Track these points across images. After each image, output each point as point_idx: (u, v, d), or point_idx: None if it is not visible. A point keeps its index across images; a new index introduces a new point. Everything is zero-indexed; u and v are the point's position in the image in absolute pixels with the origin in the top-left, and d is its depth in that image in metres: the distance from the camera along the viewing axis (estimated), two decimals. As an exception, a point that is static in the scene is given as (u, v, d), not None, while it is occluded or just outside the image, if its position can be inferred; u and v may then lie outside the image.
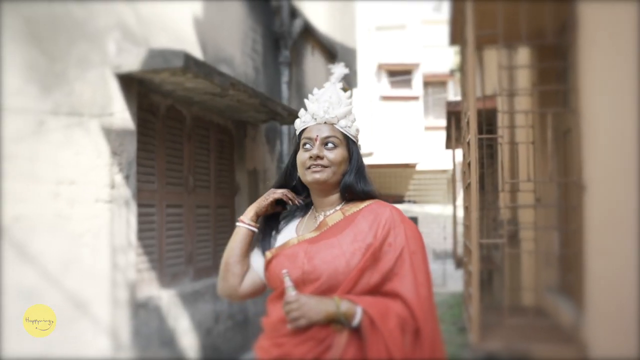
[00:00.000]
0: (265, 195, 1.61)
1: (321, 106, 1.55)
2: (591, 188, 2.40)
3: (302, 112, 1.61)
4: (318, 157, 1.50)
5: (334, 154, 1.51)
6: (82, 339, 3.32)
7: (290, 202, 1.61)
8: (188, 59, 3.58)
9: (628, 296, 2.02)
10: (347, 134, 1.55)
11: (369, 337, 1.36)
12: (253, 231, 1.60)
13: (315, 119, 1.56)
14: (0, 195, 2.74)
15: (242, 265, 1.59)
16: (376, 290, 1.42)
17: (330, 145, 1.52)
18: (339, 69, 1.63)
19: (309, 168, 1.51)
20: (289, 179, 1.63)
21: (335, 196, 1.56)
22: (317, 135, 1.52)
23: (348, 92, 1.61)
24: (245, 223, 1.59)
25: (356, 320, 1.37)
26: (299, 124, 1.60)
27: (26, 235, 2.96)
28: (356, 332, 1.38)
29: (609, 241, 2.22)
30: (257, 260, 1.60)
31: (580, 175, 2.50)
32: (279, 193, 1.60)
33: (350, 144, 1.56)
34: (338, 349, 1.37)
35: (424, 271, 1.45)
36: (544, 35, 2.75)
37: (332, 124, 1.54)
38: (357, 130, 1.59)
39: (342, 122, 1.55)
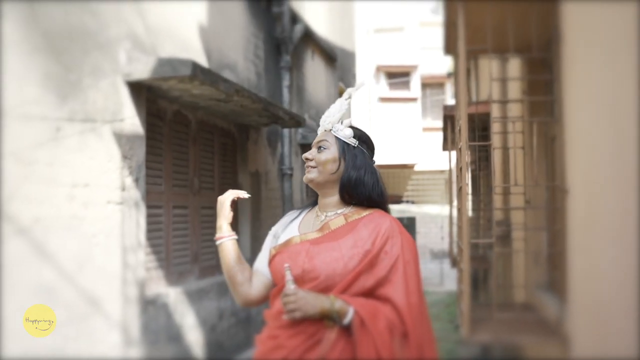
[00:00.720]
0: (220, 206, 1.72)
1: (323, 117, 1.71)
2: (573, 191, 2.58)
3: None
4: (307, 159, 1.67)
5: (321, 155, 1.64)
6: (95, 334, 3.49)
7: (240, 197, 1.74)
8: (195, 67, 3.76)
9: (605, 291, 2.20)
10: (338, 137, 1.66)
11: (359, 336, 1.45)
12: (235, 239, 1.71)
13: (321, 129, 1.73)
14: (0, 193, 2.89)
15: (243, 272, 1.69)
16: (370, 294, 1.52)
17: (321, 148, 1.66)
18: (359, 84, 1.75)
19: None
20: None
21: (335, 198, 1.66)
22: (314, 142, 1.70)
23: (348, 100, 1.71)
24: (226, 236, 1.71)
25: (347, 319, 1.46)
26: None
27: (44, 235, 3.13)
28: (346, 330, 1.48)
29: (589, 240, 2.40)
30: (265, 262, 1.71)
31: (563, 179, 2.69)
32: (230, 196, 1.73)
33: (344, 147, 1.65)
34: (327, 343, 1.47)
35: (416, 280, 1.54)
36: (531, 48, 2.94)
37: (329, 130, 1.69)
38: (352, 133, 1.67)
39: (335, 127, 1.68)
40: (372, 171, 1.66)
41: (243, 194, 1.74)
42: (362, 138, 1.70)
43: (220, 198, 1.74)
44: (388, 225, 1.58)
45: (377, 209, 1.66)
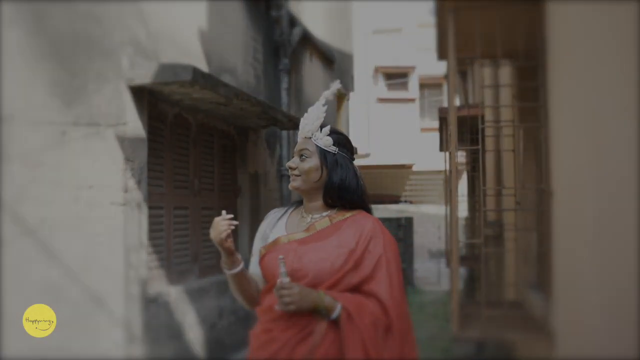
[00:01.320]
0: (218, 241, 1.67)
1: (302, 123, 1.76)
2: (557, 194, 2.70)
3: None
4: (291, 167, 1.73)
5: (304, 164, 1.70)
6: (98, 331, 3.60)
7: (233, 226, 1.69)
8: (196, 72, 3.87)
9: (586, 290, 2.31)
10: (319, 145, 1.71)
11: (346, 329, 1.55)
12: (243, 264, 1.73)
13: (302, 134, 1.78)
14: (0, 191, 3.00)
15: (253, 288, 1.78)
16: (355, 289, 1.62)
17: (303, 156, 1.71)
18: (334, 85, 1.80)
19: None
20: None
21: (320, 202, 1.74)
22: (296, 149, 1.76)
23: (325, 107, 1.73)
24: (234, 269, 1.71)
25: (335, 313, 1.57)
26: None
27: (50, 236, 3.24)
28: (334, 323, 1.58)
29: (571, 241, 2.51)
30: (258, 264, 1.79)
31: (548, 182, 2.81)
32: (224, 231, 1.65)
33: (325, 155, 1.71)
34: (319, 334, 1.57)
35: (397, 277, 1.64)
36: (519, 56, 3.05)
37: (309, 138, 1.73)
38: (331, 141, 1.70)
39: (315, 135, 1.72)
40: (353, 175, 1.72)
41: (232, 223, 1.68)
42: (341, 142, 1.75)
43: (215, 237, 1.66)
44: (371, 226, 1.68)
45: (360, 209, 1.75)
